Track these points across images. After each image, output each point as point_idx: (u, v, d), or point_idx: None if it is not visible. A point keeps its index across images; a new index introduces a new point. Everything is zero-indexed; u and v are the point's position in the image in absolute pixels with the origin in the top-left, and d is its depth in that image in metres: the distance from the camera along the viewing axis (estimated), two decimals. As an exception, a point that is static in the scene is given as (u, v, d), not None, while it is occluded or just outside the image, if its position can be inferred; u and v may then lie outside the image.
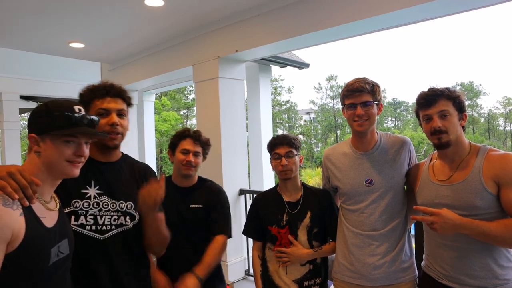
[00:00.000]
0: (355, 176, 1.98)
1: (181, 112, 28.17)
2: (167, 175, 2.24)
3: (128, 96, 1.75)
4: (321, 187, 2.28)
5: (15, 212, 1.17)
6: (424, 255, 1.93)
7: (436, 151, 1.84)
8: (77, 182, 1.54)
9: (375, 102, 1.89)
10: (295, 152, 2.12)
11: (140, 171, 1.82)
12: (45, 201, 1.32)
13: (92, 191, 1.64)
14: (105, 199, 1.65)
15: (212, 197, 2.24)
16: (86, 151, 1.36)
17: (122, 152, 1.81)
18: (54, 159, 1.29)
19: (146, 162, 6.50)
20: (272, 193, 2.26)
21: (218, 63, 4.15)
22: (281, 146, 2.11)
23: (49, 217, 1.30)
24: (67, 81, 7.53)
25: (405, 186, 2.03)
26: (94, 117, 1.39)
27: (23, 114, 12.70)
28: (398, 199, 1.96)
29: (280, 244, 2.12)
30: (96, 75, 6.20)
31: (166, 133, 23.46)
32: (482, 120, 44.58)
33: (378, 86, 1.92)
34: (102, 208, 1.63)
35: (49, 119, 1.29)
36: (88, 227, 1.59)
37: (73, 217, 1.57)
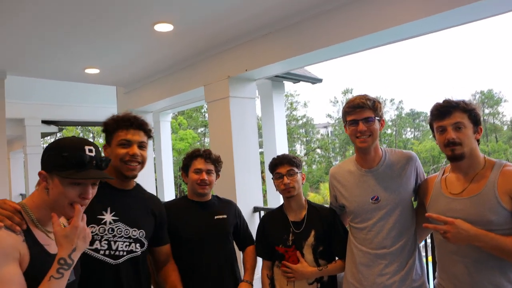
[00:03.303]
0: (361, 194, 1.96)
1: (199, 130, 28.44)
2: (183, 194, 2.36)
3: (149, 129, 1.86)
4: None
5: (18, 237, 1.21)
6: (436, 273, 1.88)
7: (449, 164, 1.82)
8: (94, 207, 1.58)
9: (376, 118, 1.89)
10: (296, 170, 2.14)
11: (151, 202, 1.93)
12: (48, 231, 1.34)
13: (108, 217, 1.70)
14: (119, 225, 1.71)
15: (233, 209, 2.39)
16: (93, 191, 1.35)
17: (135, 181, 1.91)
18: (59, 200, 1.29)
19: (164, 181, 6.70)
20: (278, 212, 2.27)
21: (228, 83, 4.20)
22: (281, 166, 2.14)
23: (52, 245, 1.33)
24: (85, 104, 7.75)
25: (414, 203, 1.99)
26: (104, 158, 1.37)
27: (45, 138, 13.13)
28: (407, 216, 1.92)
29: (288, 261, 2.12)
30: (113, 98, 6.36)
31: (184, 152, 23.69)
32: (505, 128, 43.39)
33: (379, 102, 1.92)
34: (116, 234, 1.70)
35: (58, 159, 1.29)
36: (102, 252, 1.66)
37: None
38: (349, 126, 1.92)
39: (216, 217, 2.26)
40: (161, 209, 1.98)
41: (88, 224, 1.60)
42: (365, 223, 1.94)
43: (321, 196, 22.01)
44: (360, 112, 1.87)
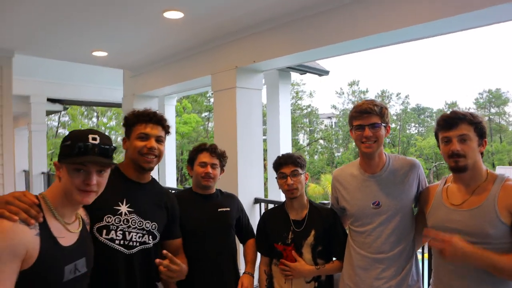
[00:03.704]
0: (362, 198, 1.98)
1: (203, 115, 28.39)
2: (188, 186, 2.39)
3: (167, 125, 1.92)
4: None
5: (31, 231, 1.24)
6: (431, 280, 1.91)
7: (451, 174, 1.83)
8: (110, 198, 1.68)
9: (383, 124, 1.90)
10: (300, 171, 2.14)
11: (164, 196, 2.00)
12: (66, 222, 1.38)
13: (123, 208, 1.77)
14: (134, 217, 1.78)
15: (236, 203, 2.43)
16: (98, 179, 1.38)
17: (151, 176, 1.97)
18: (68, 187, 1.35)
19: (167, 165, 6.69)
20: (279, 210, 2.30)
21: (236, 73, 4.19)
22: (286, 166, 2.15)
23: (68, 237, 1.37)
24: (91, 84, 7.74)
25: (414, 209, 2.01)
26: (109, 147, 1.41)
27: (50, 116, 13.17)
28: (406, 223, 1.94)
29: (286, 260, 2.14)
30: (118, 80, 6.35)
31: (187, 135, 23.75)
32: (511, 128, 43.08)
33: (386, 109, 1.93)
34: (131, 225, 1.76)
35: (65, 148, 1.38)
36: (117, 242, 1.72)
37: (104, 231, 1.70)
38: (355, 130, 1.93)
39: (219, 209, 2.31)
40: (173, 203, 2.03)
41: (104, 214, 1.69)
42: (365, 227, 1.96)
43: (322, 187, 22.03)
44: (367, 118, 1.88)
